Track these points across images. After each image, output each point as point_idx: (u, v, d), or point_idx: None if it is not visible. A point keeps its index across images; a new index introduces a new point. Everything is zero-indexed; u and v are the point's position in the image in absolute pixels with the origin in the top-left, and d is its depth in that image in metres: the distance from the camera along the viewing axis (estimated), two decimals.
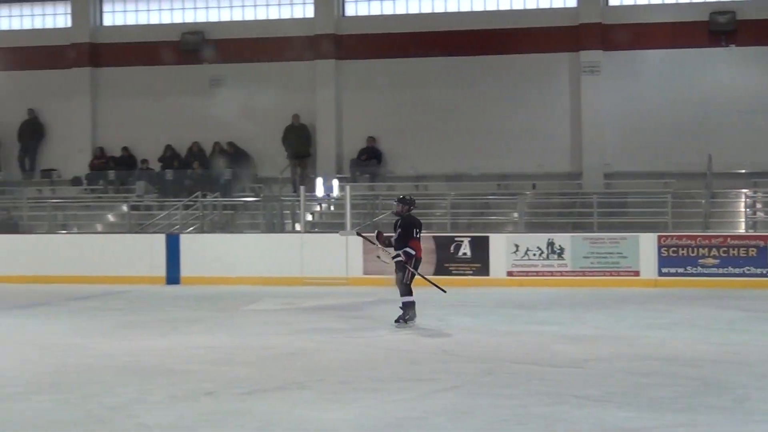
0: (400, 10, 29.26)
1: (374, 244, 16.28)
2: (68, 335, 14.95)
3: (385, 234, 16.15)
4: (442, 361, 12.29)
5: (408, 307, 15.41)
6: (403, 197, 16.29)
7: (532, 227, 24.23)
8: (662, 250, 21.78)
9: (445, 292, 16.11)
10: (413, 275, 15.51)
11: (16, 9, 31.85)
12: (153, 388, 10.44)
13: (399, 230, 15.68)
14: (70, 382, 10.96)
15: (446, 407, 9.40)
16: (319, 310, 17.90)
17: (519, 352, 12.83)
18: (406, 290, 15.46)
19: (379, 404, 9.60)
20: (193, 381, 10.88)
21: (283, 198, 26.62)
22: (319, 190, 26.93)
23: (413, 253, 15.48)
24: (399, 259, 15.51)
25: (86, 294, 21.36)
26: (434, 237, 22.66)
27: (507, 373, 11.37)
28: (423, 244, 21.93)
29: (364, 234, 17.07)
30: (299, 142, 28.52)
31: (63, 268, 24.16)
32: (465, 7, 28.86)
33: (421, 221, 16.17)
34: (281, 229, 25.23)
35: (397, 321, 15.35)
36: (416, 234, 15.60)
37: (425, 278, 15.88)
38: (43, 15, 31.81)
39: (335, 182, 27.34)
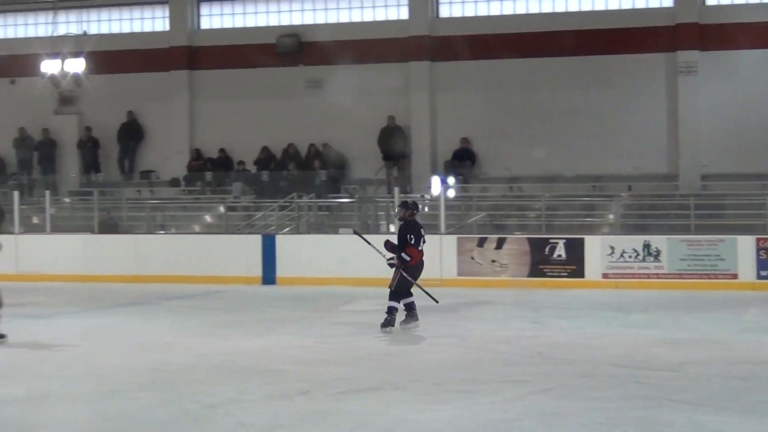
0: (494, 11, 29.16)
1: (369, 244, 16.14)
2: (166, 334, 15.17)
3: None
4: (537, 363, 12.26)
5: (389, 313, 15.04)
6: (405, 202, 16.07)
7: (628, 229, 24.00)
8: (761, 252, 21.44)
9: (437, 302, 15.82)
10: (407, 282, 15.21)
11: (115, 13, 32.37)
12: (249, 388, 10.57)
13: (398, 236, 15.48)
14: (168, 380, 11.14)
15: (540, 409, 9.39)
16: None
17: (614, 355, 12.74)
18: (392, 296, 15.14)
19: (473, 406, 9.62)
20: (288, 381, 10.99)
21: (377, 199, 26.70)
22: (435, 188, 26.66)
23: (407, 259, 15.19)
24: (391, 262, 15.33)
25: (184, 294, 21.63)
26: (528, 239, 22.56)
27: (602, 375, 11.32)
28: (518, 246, 22.07)
29: (362, 235, 16.85)
30: (394, 144, 28.57)
31: (161, 268, 24.48)
32: (560, 8, 28.69)
33: (423, 227, 15.67)
34: (375, 230, 25.31)
35: (381, 326, 15.05)
36: (411, 240, 15.16)
37: (419, 286, 15.53)
38: (142, 19, 32.28)
39: (451, 180, 27.14)
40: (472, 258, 22.49)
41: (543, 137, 28.07)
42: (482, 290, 21.25)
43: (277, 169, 29.06)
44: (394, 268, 15.19)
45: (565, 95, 28.22)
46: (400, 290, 15.15)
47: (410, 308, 15.24)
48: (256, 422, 8.98)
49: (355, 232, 18.04)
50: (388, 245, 15.30)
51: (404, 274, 15.09)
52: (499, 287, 21.61)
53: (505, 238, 22.60)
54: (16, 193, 26.21)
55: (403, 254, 15.11)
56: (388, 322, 14.98)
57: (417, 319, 15.22)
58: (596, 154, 27.45)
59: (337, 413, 9.34)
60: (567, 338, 14.43)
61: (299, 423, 8.94)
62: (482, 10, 29.29)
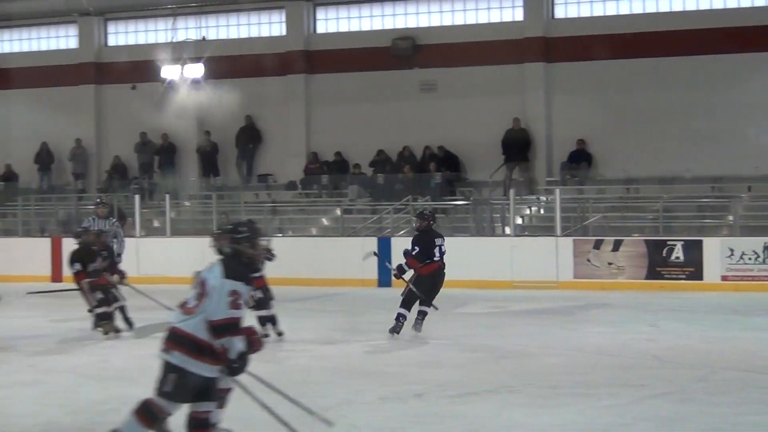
0: (610, 11, 28.89)
1: (386, 262, 16.10)
2: (282, 336, 15.32)
3: None
4: (653, 367, 12.15)
5: (396, 319, 14.84)
6: (422, 212, 15.77)
7: (748, 231, 23.58)
8: None
9: (436, 309, 15.42)
10: (413, 294, 14.95)
11: (233, 18, 32.79)
12: (363, 390, 10.65)
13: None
14: (283, 382, 11.23)
15: (656, 414, 9.31)
16: (529, 314, 17.89)
17: (733, 359, 12.56)
18: (401, 304, 14.98)
19: (588, 410, 9.58)
20: (402, 383, 11.05)
21: (492, 201, 26.63)
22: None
23: (405, 269, 15.01)
24: (394, 273, 15.25)
25: (301, 296, 21.80)
26: (645, 241, 22.32)
27: (720, 380, 11.17)
28: (635, 248, 21.87)
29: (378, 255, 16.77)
30: (518, 146, 28.42)
31: (279, 270, 24.59)
32: (676, 7, 28.27)
33: (441, 236, 15.33)
34: (491, 233, 25.27)
35: (389, 330, 14.89)
36: (413, 251, 14.93)
37: (410, 287, 15.16)
38: (259, 24, 32.64)
39: None
40: (589, 260, 22.33)
41: (660, 138, 27.70)
42: (599, 293, 21.09)
43: (392, 171, 29.17)
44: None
45: (682, 95, 27.81)
46: (407, 300, 15.02)
47: (422, 315, 15.08)
48: (369, 424, 9.06)
49: (374, 254, 17.92)
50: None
51: (411, 287, 14.95)
52: (616, 290, 21.43)
53: (621, 240, 22.40)
54: (137, 197, 26.75)
55: (402, 264, 15.08)
56: (393, 329, 14.84)
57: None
58: (715, 154, 26.98)
59: (451, 416, 9.37)
60: (684, 342, 14.26)
61: (412, 426, 8.99)
62: (598, 11, 29.01)
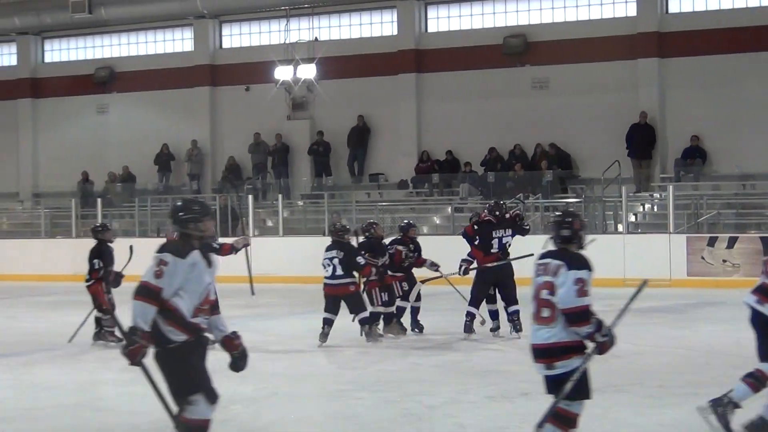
0: (726, 5, 28.43)
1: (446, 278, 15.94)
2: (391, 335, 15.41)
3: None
4: None
5: (466, 317, 14.89)
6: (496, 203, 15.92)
7: None
8: None
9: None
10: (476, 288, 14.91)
11: (345, 19, 32.97)
12: (470, 388, 10.66)
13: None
14: (391, 380, 11.33)
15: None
16: (641, 312, 17.62)
17: None
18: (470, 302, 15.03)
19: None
20: (509, 381, 11.03)
21: (605, 198, 26.38)
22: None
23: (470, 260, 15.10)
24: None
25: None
26: (761, 238, 21.92)
27: None
28: (750, 245, 21.59)
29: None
30: (643, 142, 28.05)
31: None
32: None
33: (498, 227, 15.14)
34: (603, 230, 25.04)
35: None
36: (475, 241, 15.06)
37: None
38: (371, 24, 32.79)
39: None
40: (703, 258, 22.01)
41: None
42: (713, 291, 20.78)
43: (503, 169, 29.07)
44: None
45: None
46: (473, 296, 14.98)
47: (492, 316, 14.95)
48: (475, 423, 9.06)
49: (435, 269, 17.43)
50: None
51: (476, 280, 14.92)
52: (731, 288, 21.04)
53: (736, 237, 22.05)
54: (250, 197, 27.07)
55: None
56: (465, 328, 14.78)
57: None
58: None
59: None
60: None
61: (518, 424, 8.97)
62: (712, 5, 28.57)
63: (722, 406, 8.44)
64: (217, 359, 13.02)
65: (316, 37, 32.70)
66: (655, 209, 26.95)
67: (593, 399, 9.94)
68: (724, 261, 21.80)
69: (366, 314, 14.38)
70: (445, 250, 24.65)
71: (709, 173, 27.82)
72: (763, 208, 25.25)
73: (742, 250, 21.79)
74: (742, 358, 12.37)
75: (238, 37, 34.64)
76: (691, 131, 27.95)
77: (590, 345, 7.38)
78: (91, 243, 15.22)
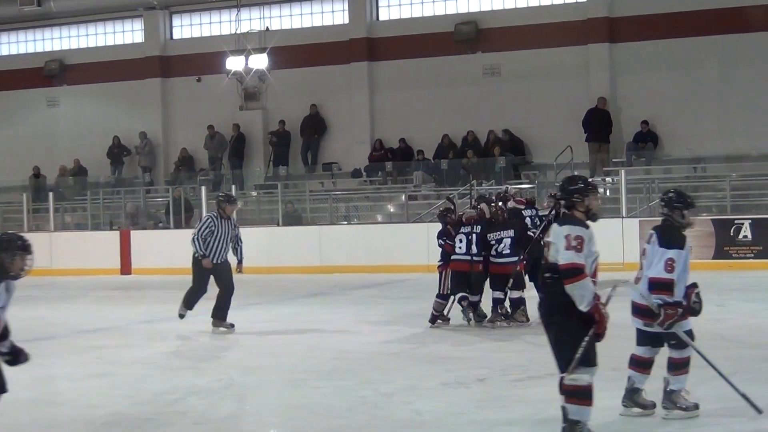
0: None
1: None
2: (348, 323, 15.41)
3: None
4: (720, 347, 12.01)
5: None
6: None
7: None
8: None
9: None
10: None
11: (296, 8, 32.89)
12: (427, 375, 10.67)
13: None
14: (348, 369, 11.32)
15: (721, 393, 9.20)
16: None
17: None
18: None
19: (652, 392, 9.50)
20: (466, 368, 11.05)
21: (558, 184, 26.40)
22: None
23: None
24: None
25: (367, 283, 21.92)
26: (712, 220, 22.11)
27: None
28: (702, 227, 21.69)
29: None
30: (600, 126, 28.10)
31: (344, 258, 24.88)
32: None
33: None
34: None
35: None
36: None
37: None
38: (322, 13, 32.72)
39: None
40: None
41: (726, 116, 27.41)
42: None
43: (456, 157, 29.12)
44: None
45: (746, 72, 27.51)
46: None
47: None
48: (432, 409, 9.07)
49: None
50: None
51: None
52: None
53: None
54: (203, 189, 26.97)
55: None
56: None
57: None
58: None
59: (513, 400, 9.37)
60: (752, 321, 14.14)
61: (475, 410, 8.99)
62: None
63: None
64: (173, 353, 13.01)
65: (267, 27, 32.61)
66: (608, 193, 27.06)
67: (548, 383, 10.03)
68: None
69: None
70: (400, 238, 24.84)
71: (660, 157, 28.00)
72: (715, 191, 25.43)
73: (694, 233, 21.73)
74: (697, 338, 12.47)
75: (188, 27, 34.48)
76: (642, 115, 28.10)
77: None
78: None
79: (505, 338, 13.19)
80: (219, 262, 14.68)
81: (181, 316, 14.94)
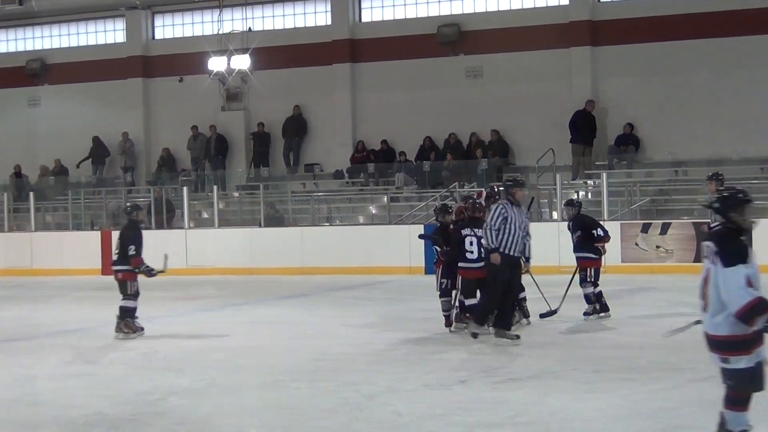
0: None
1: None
2: (329, 325, 15.40)
3: None
4: (701, 350, 11.89)
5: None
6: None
7: None
8: None
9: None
10: None
11: (278, 9, 32.87)
12: (408, 377, 10.67)
13: None
14: (329, 370, 11.32)
15: (701, 398, 9.23)
16: (577, 298, 17.69)
17: None
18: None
19: (633, 394, 9.54)
20: (447, 370, 11.07)
21: (540, 186, 26.51)
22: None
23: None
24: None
25: (348, 284, 21.91)
26: (694, 223, 22.16)
27: None
28: (683, 231, 21.77)
29: None
30: (586, 129, 28.11)
31: (326, 259, 24.87)
32: None
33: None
34: (538, 218, 25.13)
35: None
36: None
37: None
38: (304, 14, 32.71)
39: None
40: (637, 244, 22.23)
41: (707, 120, 27.51)
42: (647, 276, 21.01)
43: (438, 158, 29.13)
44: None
45: (728, 76, 27.60)
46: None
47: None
48: (413, 411, 9.06)
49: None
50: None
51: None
52: (664, 273, 21.32)
53: (669, 223, 22.29)
54: (185, 189, 26.93)
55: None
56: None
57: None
58: (763, 135, 26.73)
59: (494, 402, 9.37)
60: None
61: (456, 412, 8.99)
62: None
63: None
64: (153, 354, 12.98)
65: (249, 28, 32.57)
66: (590, 196, 27.12)
67: (529, 385, 10.06)
68: (658, 247, 22.03)
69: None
70: (382, 239, 24.84)
71: (642, 160, 28.08)
72: (696, 194, 25.49)
73: (675, 236, 22.03)
74: (676, 342, 12.50)
75: (170, 27, 34.42)
76: (624, 119, 28.19)
77: None
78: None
79: (487, 341, 13.19)
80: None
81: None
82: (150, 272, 14.60)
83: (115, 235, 16.10)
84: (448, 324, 14.10)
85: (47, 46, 35.55)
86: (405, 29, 31.06)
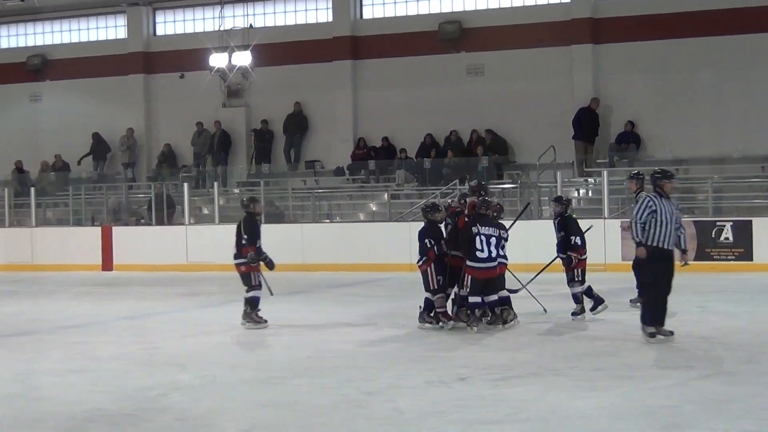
0: None
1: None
2: (331, 322, 15.38)
3: None
4: (701, 348, 12.07)
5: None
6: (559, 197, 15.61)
7: None
8: None
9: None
10: None
11: (280, 5, 32.86)
12: (409, 374, 10.67)
13: None
14: (329, 366, 11.32)
15: (701, 396, 9.25)
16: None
17: None
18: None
19: (633, 392, 9.53)
20: (448, 367, 11.05)
21: (540, 184, 26.50)
22: None
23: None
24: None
25: (349, 281, 21.91)
26: (694, 222, 22.15)
27: None
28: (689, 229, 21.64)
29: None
30: (590, 126, 28.10)
31: (327, 256, 24.85)
32: None
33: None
34: (538, 215, 25.16)
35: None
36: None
37: None
38: (306, 10, 32.70)
39: None
40: None
41: (709, 118, 27.50)
42: None
43: (439, 156, 29.12)
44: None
45: (730, 75, 27.58)
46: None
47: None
48: (414, 408, 9.07)
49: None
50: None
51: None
52: None
53: None
54: (185, 185, 26.92)
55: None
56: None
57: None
58: (764, 133, 26.73)
59: (495, 399, 9.37)
60: (733, 323, 14.18)
61: (456, 409, 8.99)
62: None
63: None
64: (154, 349, 12.99)
65: (250, 24, 32.58)
66: (590, 194, 27.13)
67: (529, 383, 10.06)
68: None
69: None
70: (382, 236, 24.83)
71: (643, 158, 28.02)
72: (697, 193, 25.49)
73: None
74: (677, 340, 12.54)
75: (172, 24, 34.40)
76: (625, 117, 28.18)
77: None
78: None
79: (487, 338, 13.20)
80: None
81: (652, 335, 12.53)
82: (270, 263, 14.63)
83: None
84: (446, 320, 14.11)
85: (48, 42, 35.56)
86: (406, 26, 31.05)
